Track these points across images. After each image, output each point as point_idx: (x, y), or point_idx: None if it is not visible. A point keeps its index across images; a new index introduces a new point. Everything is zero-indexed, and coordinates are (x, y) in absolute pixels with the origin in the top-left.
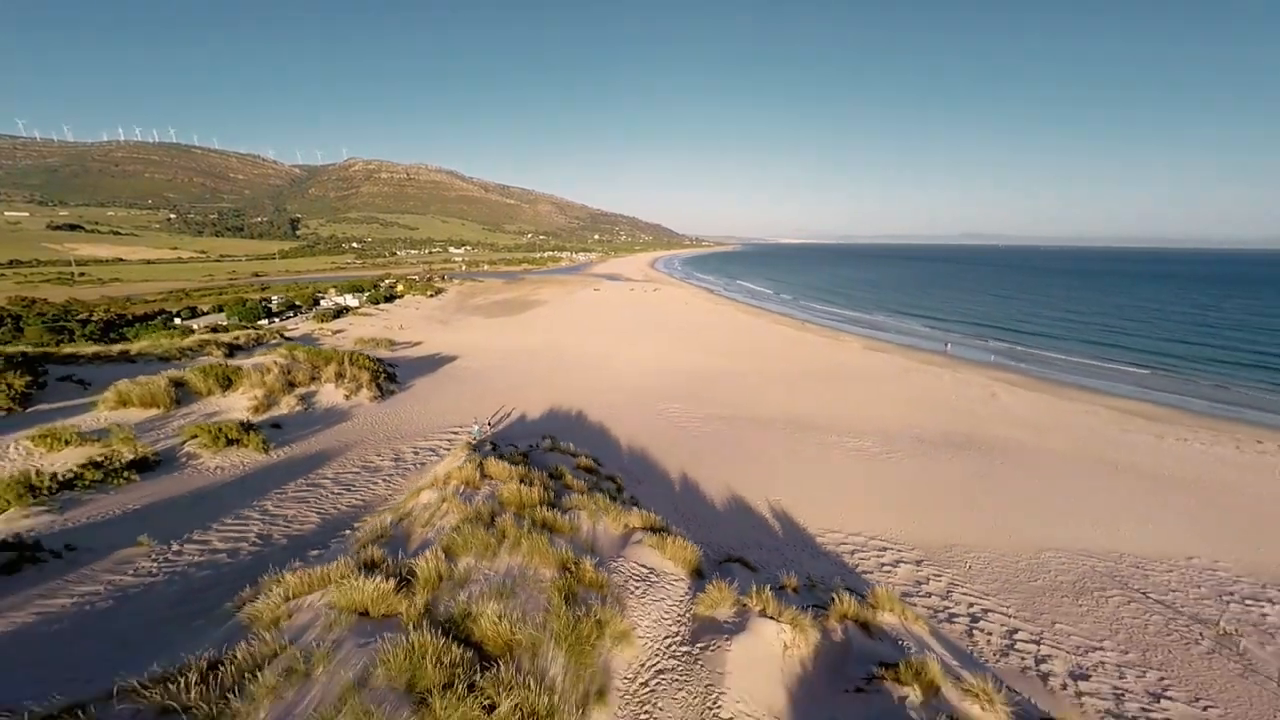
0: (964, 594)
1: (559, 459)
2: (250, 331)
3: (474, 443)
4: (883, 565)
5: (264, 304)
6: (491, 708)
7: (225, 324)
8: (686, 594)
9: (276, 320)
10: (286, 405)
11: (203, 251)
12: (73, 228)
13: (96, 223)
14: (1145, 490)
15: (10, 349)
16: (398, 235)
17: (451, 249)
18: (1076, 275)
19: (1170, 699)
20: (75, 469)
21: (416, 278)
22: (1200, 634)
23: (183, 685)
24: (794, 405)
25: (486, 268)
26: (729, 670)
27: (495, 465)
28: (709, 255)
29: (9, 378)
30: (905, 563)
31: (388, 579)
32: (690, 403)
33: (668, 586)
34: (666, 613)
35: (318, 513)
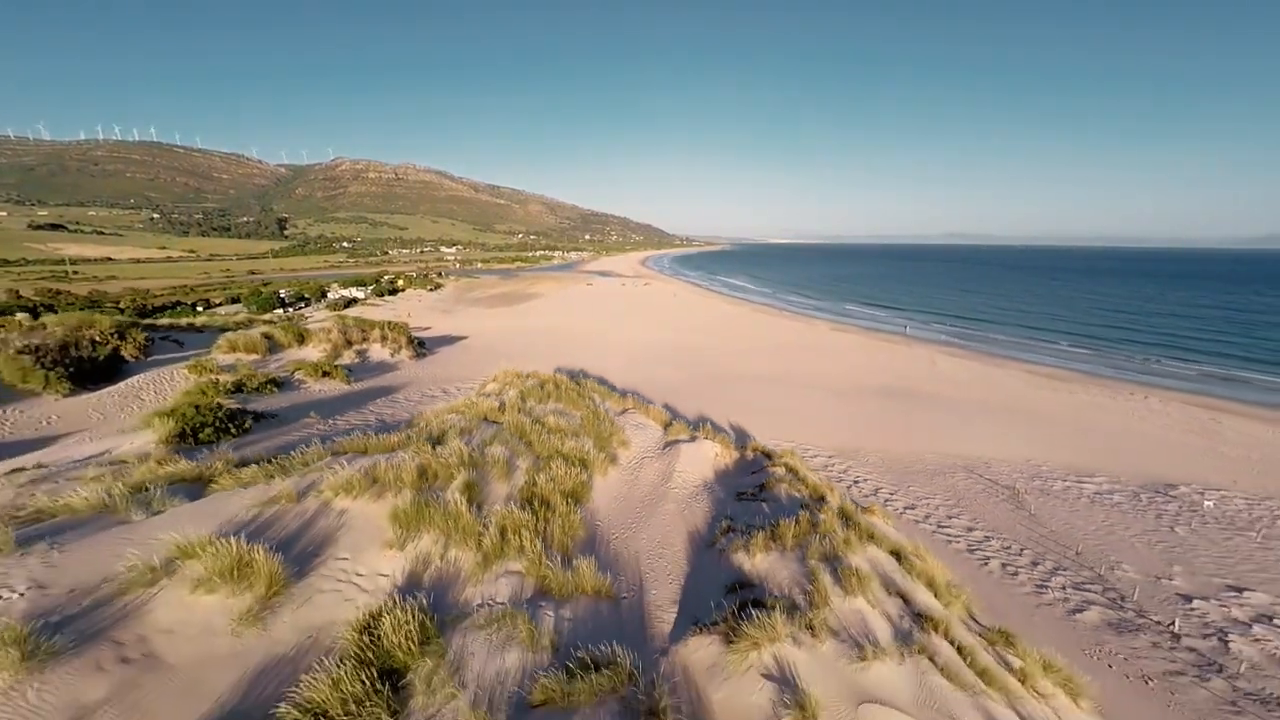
0: (855, 473)
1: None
2: (280, 314)
3: None
4: (804, 457)
5: (276, 295)
6: (559, 448)
7: (245, 312)
8: (661, 434)
9: (291, 310)
10: (348, 357)
11: (191, 251)
12: (55, 227)
13: (78, 222)
14: (1021, 423)
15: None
16: (388, 235)
17: (443, 248)
18: (1047, 272)
19: (957, 519)
20: (233, 382)
21: (415, 274)
22: (1001, 493)
23: (413, 434)
24: (762, 369)
25: (480, 265)
26: (681, 458)
27: (532, 369)
28: (698, 254)
29: (134, 333)
30: (820, 456)
31: (493, 402)
32: (675, 366)
33: (650, 430)
34: (648, 439)
35: (407, 412)
